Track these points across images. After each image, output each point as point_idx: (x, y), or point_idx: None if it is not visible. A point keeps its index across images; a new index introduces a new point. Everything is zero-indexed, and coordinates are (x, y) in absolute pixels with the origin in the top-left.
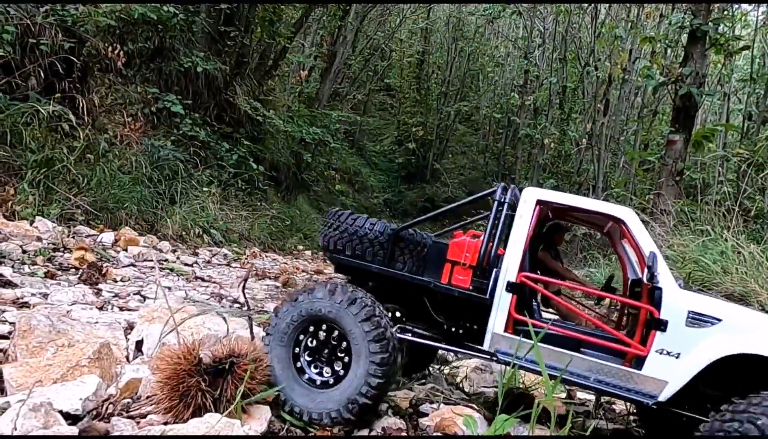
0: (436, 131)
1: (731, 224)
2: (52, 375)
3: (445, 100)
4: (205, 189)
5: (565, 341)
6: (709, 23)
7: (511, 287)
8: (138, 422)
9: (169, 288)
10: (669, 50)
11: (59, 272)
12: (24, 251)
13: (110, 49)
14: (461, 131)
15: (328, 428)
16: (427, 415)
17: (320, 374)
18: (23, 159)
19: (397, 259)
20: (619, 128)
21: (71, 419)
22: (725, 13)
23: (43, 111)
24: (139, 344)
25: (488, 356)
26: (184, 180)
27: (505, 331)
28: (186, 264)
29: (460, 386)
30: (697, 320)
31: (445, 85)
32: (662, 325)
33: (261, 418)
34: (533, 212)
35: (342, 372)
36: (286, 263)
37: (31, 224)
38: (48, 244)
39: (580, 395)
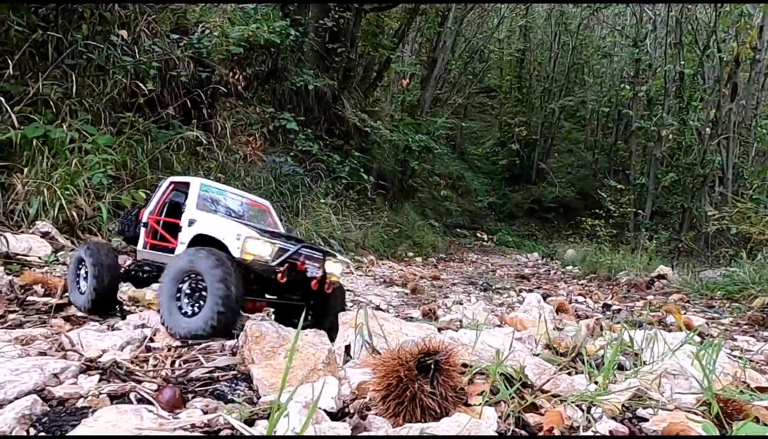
0: (540, 130)
1: None
2: (297, 377)
3: (548, 97)
4: (322, 201)
5: (163, 249)
6: None
7: (143, 225)
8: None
9: None
10: None
11: None
12: None
13: (231, 74)
14: (567, 128)
15: (553, 430)
16: (647, 420)
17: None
18: None
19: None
20: (750, 113)
21: (328, 416)
22: None
23: (185, 137)
24: (347, 349)
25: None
26: (304, 193)
27: (144, 248)
28: None
29: (651, 390)
30: (190, 223)
31: (548, 81)
32: (179, 229)
33: (491, 418)
34: (166, 188)
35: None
36: (402, 270)
37: None
38: None
39: None
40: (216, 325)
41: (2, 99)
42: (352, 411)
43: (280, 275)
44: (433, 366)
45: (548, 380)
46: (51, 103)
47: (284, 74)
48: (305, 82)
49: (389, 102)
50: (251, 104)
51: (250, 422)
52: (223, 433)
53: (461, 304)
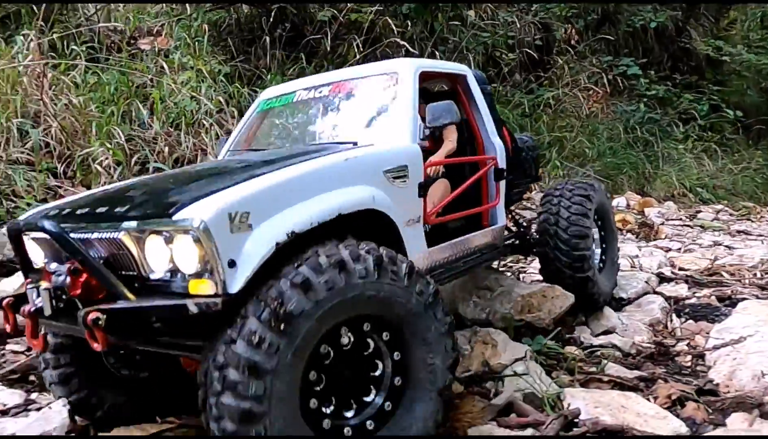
0: None
1: None
2: None
3: None
4: (680, 146)
5: None
6: None
7: None
8: None
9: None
10: None
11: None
12: None
13: (563, 31)
14: None
15: None
16: None
17: None
18: (538, 141)
19: None
20: None
21: None
22: None
23: (542, 98)
24: None
25: None
26: (660, 139)
27: None
28: (708, 221)
29: None
30: None
31: None
32: None
33: None
34: None
35: None
36: None
37: None
38: None
39: None
40: None
41: None
42: None
43: None
44: None
45: None
46: None
47: (617, 18)
48: (647, 21)
49: (744, 21)
50: (585, 57)
51: None
52: None
53: None
